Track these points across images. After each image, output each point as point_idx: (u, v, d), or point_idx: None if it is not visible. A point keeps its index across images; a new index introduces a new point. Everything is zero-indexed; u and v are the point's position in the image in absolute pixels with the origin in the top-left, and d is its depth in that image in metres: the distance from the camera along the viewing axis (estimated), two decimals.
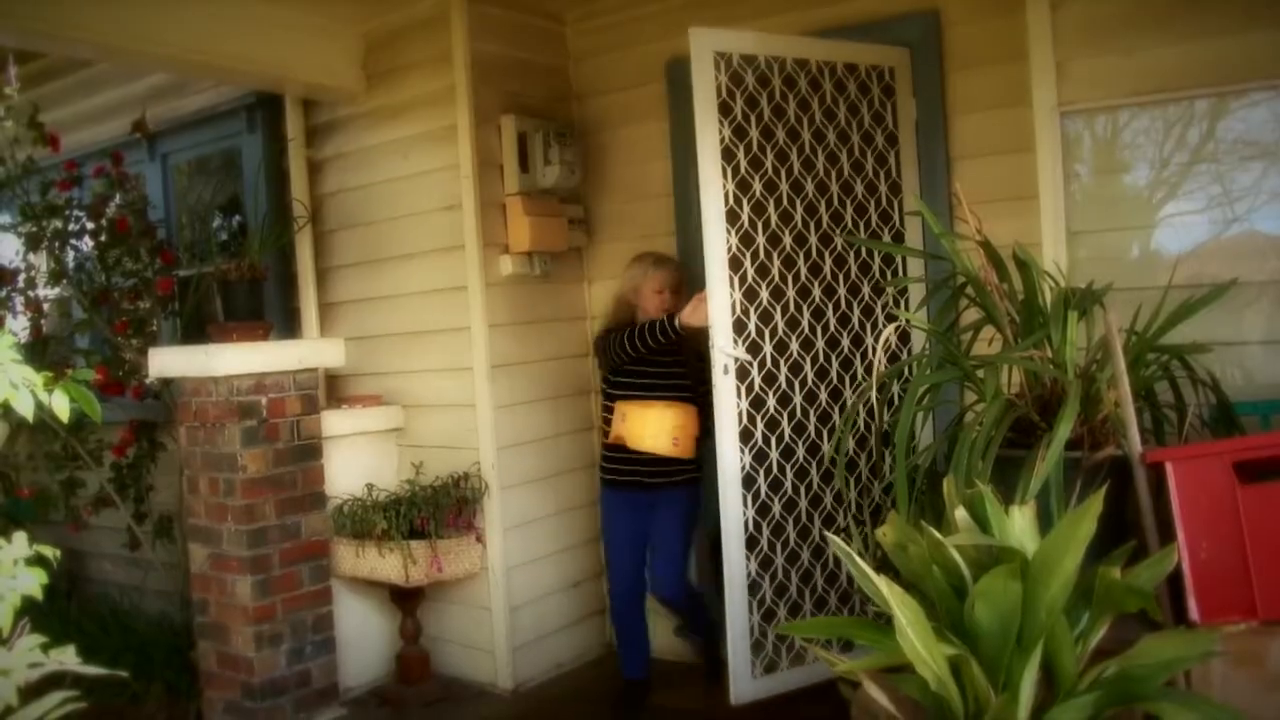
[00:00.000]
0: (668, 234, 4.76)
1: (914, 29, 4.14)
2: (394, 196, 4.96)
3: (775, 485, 3.99)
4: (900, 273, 4.15)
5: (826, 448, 4.01)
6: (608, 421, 4.40)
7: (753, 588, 3.92)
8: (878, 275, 4.13)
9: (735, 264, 3.89)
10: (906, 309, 3.99)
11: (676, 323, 4.04)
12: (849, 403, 3.98)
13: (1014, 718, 2.11)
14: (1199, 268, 3.45)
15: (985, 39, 3.96)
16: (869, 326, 4.10)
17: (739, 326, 3.88)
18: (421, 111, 4.82)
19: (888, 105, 4.18)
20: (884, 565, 2.40)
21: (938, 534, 2.18)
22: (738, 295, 3.89)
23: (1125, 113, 3.72)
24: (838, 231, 4.08)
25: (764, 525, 3.98)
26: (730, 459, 3.85)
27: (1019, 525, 2.26)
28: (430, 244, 4.82)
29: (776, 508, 4.00)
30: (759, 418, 3.95)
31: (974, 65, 4.01)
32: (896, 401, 3.56)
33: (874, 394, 2.98)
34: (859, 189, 4.12)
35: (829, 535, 2.47)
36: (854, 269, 4.11)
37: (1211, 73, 3.45)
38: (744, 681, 3.87)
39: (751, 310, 3.92)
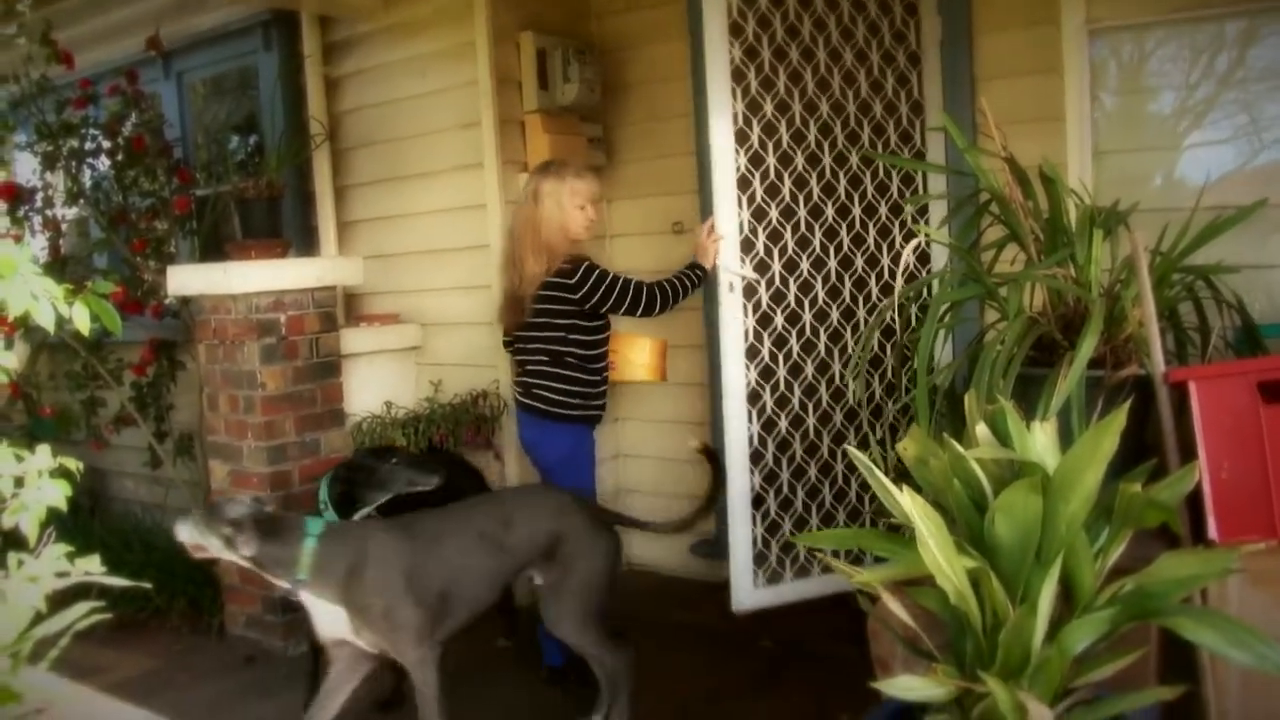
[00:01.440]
0: (687, 153, 4.71)
1: None
2: (412, 114, 4.92)
3: (782, 402, 4.07)
4: (921, 192, 4.12)
5: (837, 366, 4.04)
6: (572, 361, 3.84)
7: (756, 501, 4.01)
8: (895, 195, 4.11)
9: (744, 184, 3.93)
10: (926, 228, 3.96)
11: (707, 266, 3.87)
12: (870, 317, 4.02)
13: (1032, 631, 2.11)
14: (1225, 194, 3.40)
15: None
16: (885, 247, 4.09)
17: (746, 245, 3.91)
18: (439, 28, 4.77)
19: (910, 24, 4.13)
20: (900, 482, 2.40)
21: (960, 447, 2.17)
22: (745, 215, 3.93)
23: (1153, 38, 3.65)
24: (853, 151, 4.05)
25: (769, 440, 4.07)
26: (734, 375, 3.92)
27: (1040, 441, 2.24)
28: (449, 162, 4.79)
29: (783, 424, 4.09)
30: (766, 335, 4.02)
31: None
32: (913, 324, 3.55)
33: (896, 306, 2.96)
34: (878, 109, 4.09)
35: (849, 449, 2.47)
36: (870, 189, 4.09)
37: None
38: (745, 592, 3.97)
39: (760, 229, 3.97)
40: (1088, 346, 2.53)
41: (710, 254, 3.83)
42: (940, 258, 4.01)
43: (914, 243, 3.05)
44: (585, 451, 3.94)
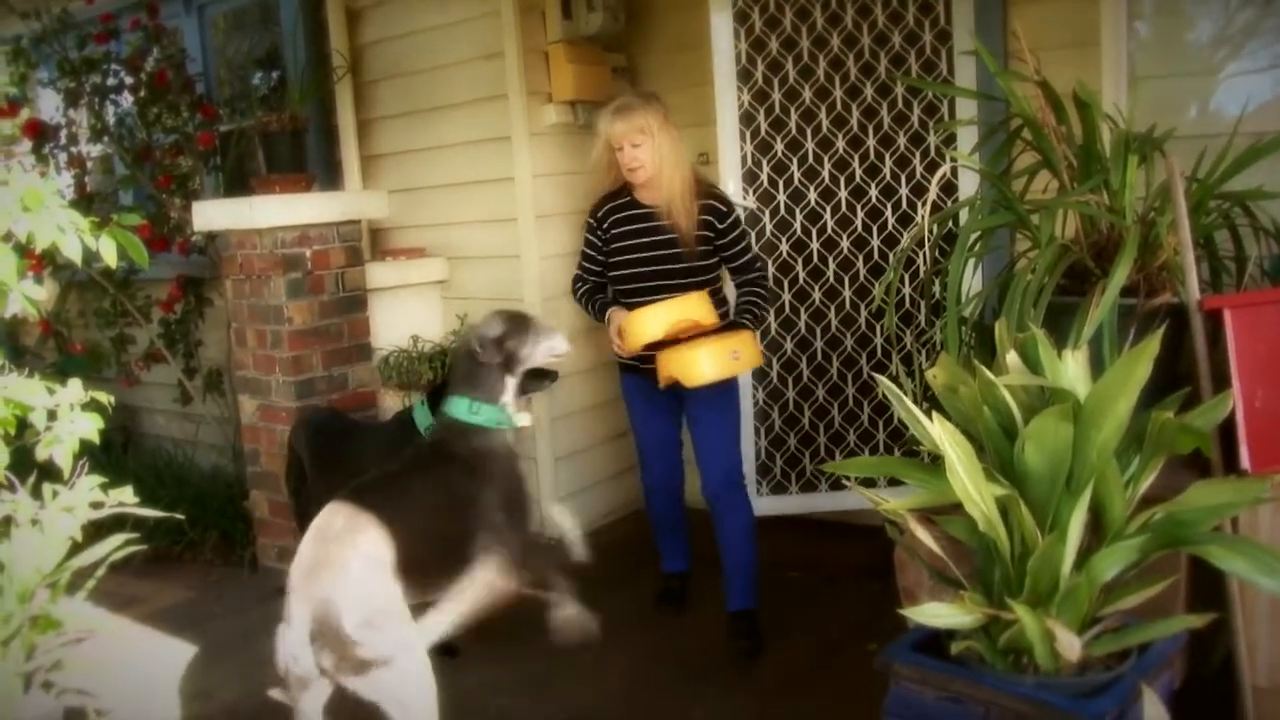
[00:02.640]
0: (712, 83, 4.64)
1: None
2: (434, 45, 4.86)
3: (787, 325, 4.25)
4: (947, 120, 4.07)
5: (848, 293, 4.20)
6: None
7: (761, 415, 4.21)
8: (916, 126, 4.07)
9: (748, 119, 4.09)
10: (957, 152, 3.91)
11: (606, 318, 3.70)
12: (886, 247, 4.03)
13: (1060, 558, 2.10)
14: (1264, 122, 3.32)
15: None
16: (903, 178, 4.07)
17: (750, 177, 3.98)
18: None
19: None
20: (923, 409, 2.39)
21: (990, 374, 2.15)
22: (749, 148, 4.09)
23: None
24: (868, 84, 4.03)
25: (773, 360, 4.26)
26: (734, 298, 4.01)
27: (1071, 369, 2.22)
28: (472, 94, 4.74)
29: (788, 345, 4.26)
30: (769, 261, 4.16)
31: None
32: (938, 256, 3.53)
33: (926, 233, 2.92)
34: (896, 40, 4.04)
35: (877, 376, 2.45)
36: (887, 120, 4.11)
37: None
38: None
39: (764, 162, 4.12)
40: (1121, 273, 2.48)
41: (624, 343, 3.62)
42: (966, 188, 3.96)
43: (942, 169, 2.99)
44: (632, 407, 3.96)
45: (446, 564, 2.87)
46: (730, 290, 3.74)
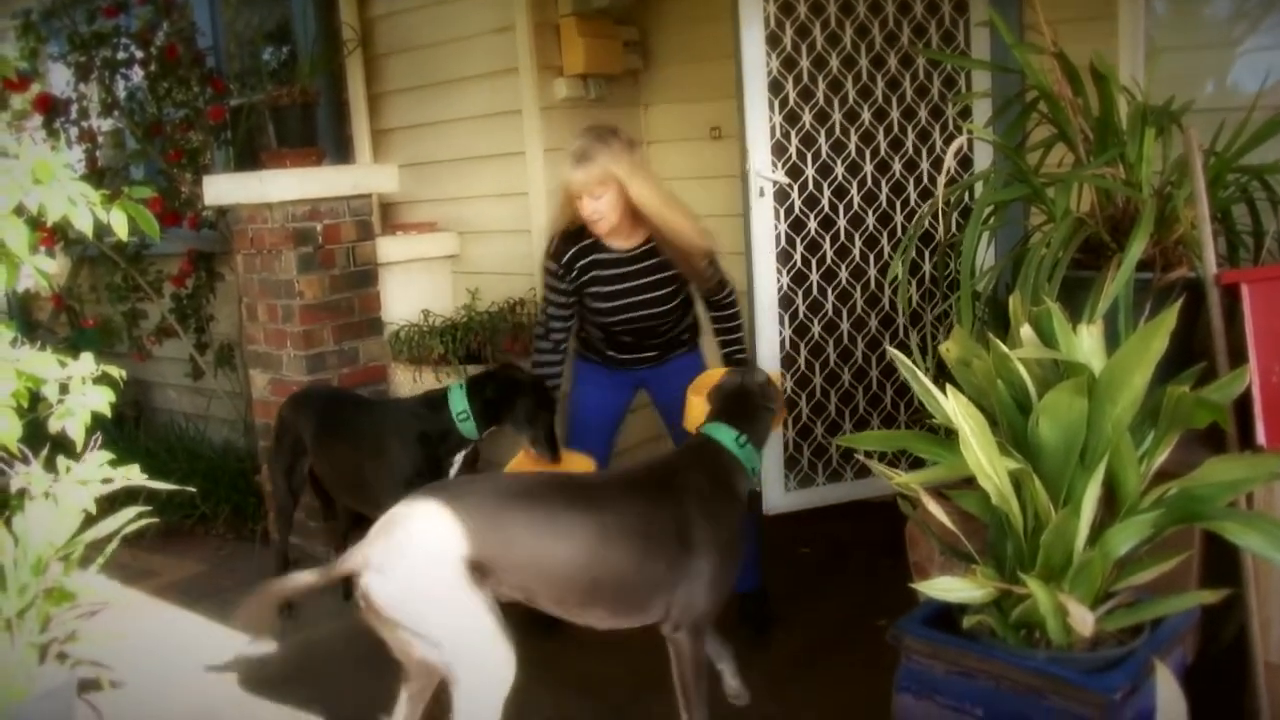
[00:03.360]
0: (725, 56, 4.56)
1: None
2: (445, 18, 4.84)
3: (815, 307, 4.10)
4: (964, 93, 4.03)
5: (873, 271, 4.08)
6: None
7: (788, 405, 4.05)
8: (936, 98, 4.03)
9: (776, 87, 3.91)
10: (973, 125, 3.88)
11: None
12: (908, 222, 3.99)
13: (1074, 532, 2.09)
14: None
15: None
16: (924, 151, 4.02)
17: (779, 150, 3.92)
18: None
19: None
20: (940, 384, 2.37)
21: (1004, 347, 2.13)
22: (778, 119, 3.93)
23: None
24: (892, 53, 3.97)
25: (801, 346, 4.10)
26: (765, 281, 3.97)
27: (1086, 343, 2.20)
28: (483, 67, 4.72)
29: (816, 329, 4.11)
30: (799, 240, 4.02)
31: None
32: (954, 230, 3.50)
33: (940, 207, 2.89)
34: (918, 9, 3.99)
35: (890, 349, 2.43)
36: (910, 91, 4.03)
37: None
38: (776, 494, 4.09)
39: (793, 133, 3.96)
40: (1137, 247, 2.46)
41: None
42: (982, 161, 3.93)
43: (958, 141, 2.96)
44: (579, 390, 3.79)
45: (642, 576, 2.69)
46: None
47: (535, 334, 3.70)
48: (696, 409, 3.11)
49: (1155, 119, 2.76)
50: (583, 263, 3.48)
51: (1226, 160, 2.80)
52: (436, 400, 3.66)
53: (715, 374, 3.24)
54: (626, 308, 3.47)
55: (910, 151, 4.03)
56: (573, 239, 3.48)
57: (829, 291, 4.08)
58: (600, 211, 3.32)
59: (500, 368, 3.80)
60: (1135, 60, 3.57)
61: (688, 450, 2.96)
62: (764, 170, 3.90)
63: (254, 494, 4.97)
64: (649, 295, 3.47)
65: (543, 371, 3.61)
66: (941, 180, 2.85)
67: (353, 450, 3.76)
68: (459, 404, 3.58)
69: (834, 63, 3.96)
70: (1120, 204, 2.79)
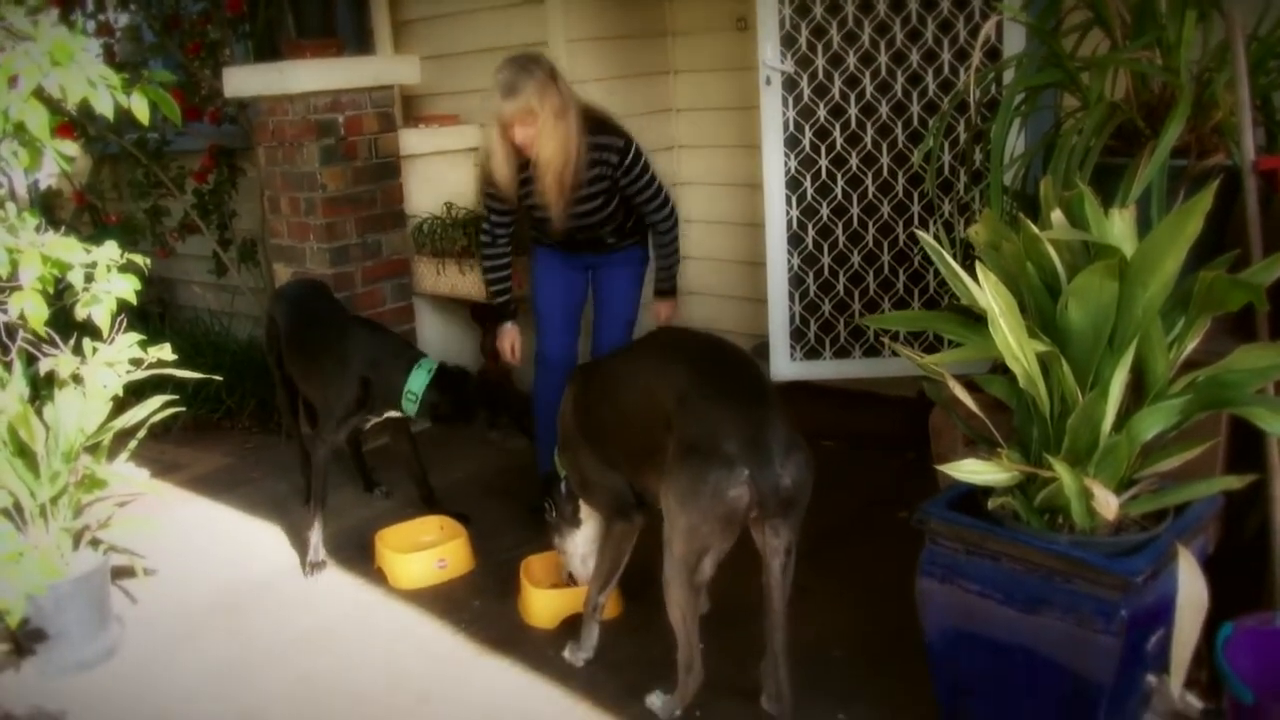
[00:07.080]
0: None
1: None
2: None
3: (824, 190, 4.16)
4: None
5: (885, 159, 4.08)
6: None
7: (795, 280, 4.20)
8: None
9: None
10: (1007, 5, 3.78)
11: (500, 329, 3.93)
12: (926, 114, 3.93)
13: (1101, 416, 2.09)
14: None
15: None
16: (945, 43, 3.94)
17: (789, 41, 3.97)
18: None
19: None
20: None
21: (1035, 229, 2.10)
22: (788, 11, 3.96)
23: None
24: None
25: (809, 225, 4.18)
26: (772, 161, 4.09)
27: (1118, 227, 2.17)
28: None
29: (824, 210, 4.17)
30: (807, 127, 4.08)
31: None
32: (978, 122, 3.43)
33: (973, 91, 2.83)
34: None
35: (916, 232, 2.41)
36: None
37: None
38: (782, 362, 4.26)
39: (803, 25, 3.97)
40: (1173, 131, 2.40)
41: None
42: (1011, 49, 3.84)
43: (988, 24, 2.88)
44: (539, 278, 3.92)
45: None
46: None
47: (481, 241, 3.89)
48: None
49: (1196, 1, 2.68)
50: (520, 177, 3.60)
51: (1270, 45, 2.72)
52: (399, 354, 3.64)
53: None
54: (564, 218, 3.59)
55: (930, 42, 3.96)
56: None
57: (839, 176, 4.13)
58: (532, 138, 3.44)
59: (477, 376, 3.94)
60: None
61: None
62: (772, 61, 3.98)
63: None
64: (583, 208, 3.58)
65: (493, 276, 3.84)
66: (973, 64, 2.78)
67: (306, 360, 3.79)
68: (416, 383, 3.54)
69: None
70: (1156, 90, 2.72)
